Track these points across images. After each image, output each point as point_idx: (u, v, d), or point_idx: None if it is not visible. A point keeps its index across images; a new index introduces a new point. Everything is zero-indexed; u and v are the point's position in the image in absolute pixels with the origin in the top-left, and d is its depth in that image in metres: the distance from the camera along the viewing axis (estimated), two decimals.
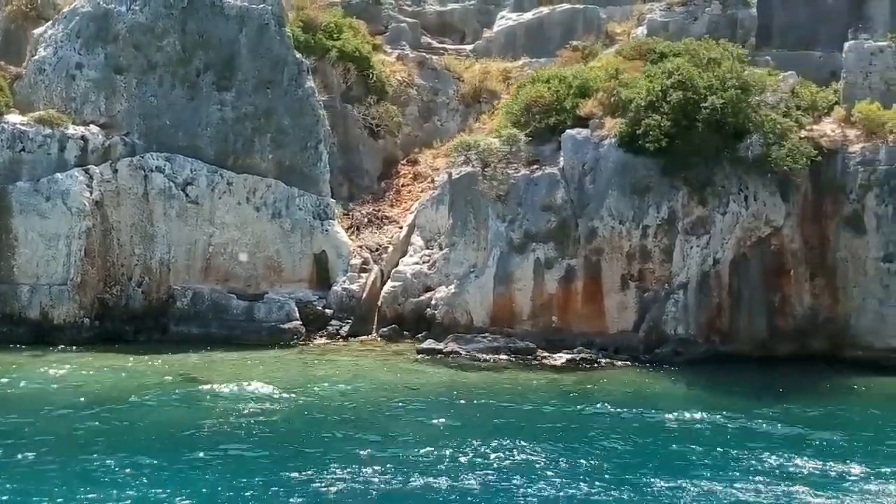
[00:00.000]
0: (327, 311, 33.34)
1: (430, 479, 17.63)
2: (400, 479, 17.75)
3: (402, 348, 30.85)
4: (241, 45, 34.44)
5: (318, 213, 34.65)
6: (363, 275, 34.18)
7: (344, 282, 33.88)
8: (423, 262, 34.14)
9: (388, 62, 43.38)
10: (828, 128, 31.69)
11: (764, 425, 22.94)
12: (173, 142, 33.64)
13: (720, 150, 29.79)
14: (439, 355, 29.13)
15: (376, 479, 17.63)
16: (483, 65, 44.34)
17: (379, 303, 33.33)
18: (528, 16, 47.87)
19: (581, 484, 17.87)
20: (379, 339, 32.31)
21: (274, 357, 28.89)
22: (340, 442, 20.21)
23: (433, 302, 32.77)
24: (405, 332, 32.45)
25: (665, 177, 30.72)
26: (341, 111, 40.06)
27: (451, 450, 19.51)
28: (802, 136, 31.29)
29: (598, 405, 24.32)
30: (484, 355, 29.31)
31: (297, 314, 32.21)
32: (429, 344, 29.81)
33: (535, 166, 32.72)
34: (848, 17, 44.60)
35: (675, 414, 23.57)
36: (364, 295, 33.64)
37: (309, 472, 17.91)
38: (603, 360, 29.50)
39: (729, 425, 22.86)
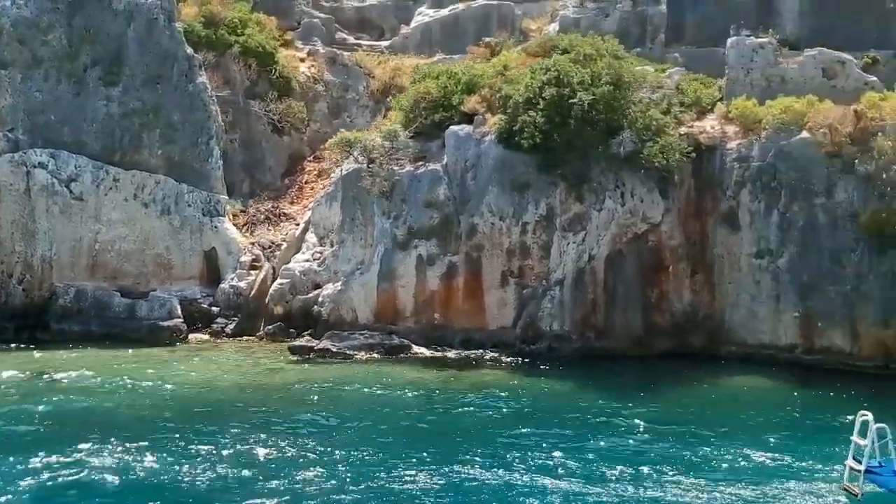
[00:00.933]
0: (213, 308, 33.63)
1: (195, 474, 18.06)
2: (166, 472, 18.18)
3: (282, 346, 31.03)
4: (129, 39, 34.68)
5: (209, 209, 34.93)
6: (253, 272, 34.49)
7: (232, 279, 34.18)
8: (315, 260, 34.48)
9: (297, 58, 43.60)
10: (708, 124, 32.12)
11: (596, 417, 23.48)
12: (59, 137, 33.86)
13: (593, 147, 30.13)
14: (311, 353, 29.33)
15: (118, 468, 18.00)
16: (394, 61, 44.59)
17: (267, 300, 33.55)
18: (444, 12, 48.32)
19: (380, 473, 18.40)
20: (264, 336, 32.42)
21: (137, 355, 29.09)
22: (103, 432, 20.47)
23: (320, 299, 33.11)
24: (291, 330, 32.65)
25: (543, 173, 31.13)
26: (244, 107, 40.34)
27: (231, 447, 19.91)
28: (682, 132, 31.68)
29: (462, 398, 25.23)
30: (356, 352, 29.63)
31: (180, 312, 32.46)
32: (300, 342, 30.10)
33: (421, 162, 33.03)
34: (758, 14, 45.10)
35: (528, 407, 24.36)
36: (252, 292, 33.92)
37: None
38: (473, 357, 29.79)
39: (566, 415, 23.45)
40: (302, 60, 44.15)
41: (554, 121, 30.14)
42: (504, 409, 24.21)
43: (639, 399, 25.37)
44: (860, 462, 17.18)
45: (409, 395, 25.41)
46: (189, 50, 35.54)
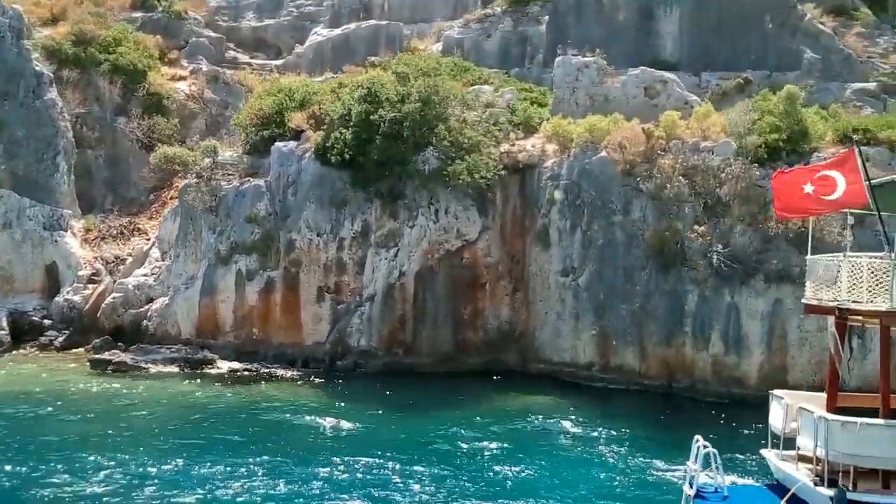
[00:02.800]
0: (45, 321, 34.66)
1: None
2: None
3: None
4: None
5: (51, 224, 36.16)
6: (91, 286, 35.51)
7: (68, 293, 35.31)
8: (153, 274, 35.47)
9: (176, 76, 44.97)
10: (530, 143, 32.85)
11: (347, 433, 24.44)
12: None
13: (401, 164, 30.95)
14: (108, 366, 30.27)
15: None
16: (284, 79, 45.73)
17: (99, 314, 34.57)
18: (337, 31, 49.47)
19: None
20: (91, 350, 33.37)
21: None
22: None
23: (149, 314, 34.05)
24: (119, 344, 33.55)
25: (359, 190, 31.98)
26: (110, 123, 41.59)
27: None
28: (503, 150, 32.42)
29: (220, 408, 26.07)
30: (153, 366, 30.49)
31: (5, 324, 33.46)
32: (102, 355, 31.02)
33: (248, 178, 34.04)
34: (637, 34, 46.12)
35: (299, 420, 25.21)
36: (87, 306, 34.96)
37: None
38: (268, 372, 30.57)
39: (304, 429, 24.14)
40: (183, 78, 45.43)
41: (361, 137, 30.99)
42: (262, 421, 24.98)
43: (394, 416, 25.87)
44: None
45: (162, 406, 26.13)
46: (39, 67, 36.88)
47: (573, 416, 25.89)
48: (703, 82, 43.85)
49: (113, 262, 37.01)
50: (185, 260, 34.49)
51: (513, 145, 33.04)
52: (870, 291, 15.22)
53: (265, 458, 21.55)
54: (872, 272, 15.35)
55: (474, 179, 30.79)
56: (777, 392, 17.06)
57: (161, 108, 42.49)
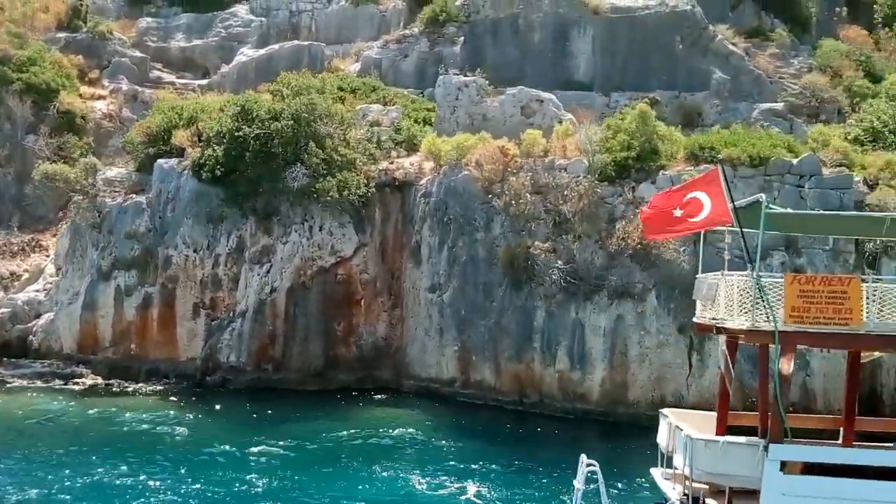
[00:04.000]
0: None
1: None
2: None
3: None
4: None
5: None
6: None
7: None
8: (44, 290, 36.31)
9: (94, 95, 46.06)
10: (409, 161, 33.63)
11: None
12: None
13: (269, 181, 31.75)
14: None
15: None
16: (197, 98, 46.74)
17: None
18: (261, 52, 50.51)
19: None
20: None
21: None
22: None
23: (34, 329, 34.85)
24: (4, 359, 34.27)
25: (234, 206, 32.78)
26: (20, 142, 42.62)
27: None
28: (381, 168, 33.22)
29: (69, 421, 26.97)
30: (18, 380, 31.26)
31: None
32: None
33: (132, 195, 34.92)
34: (553, 54, 47.05)
35: (147, 432, 25.99)
36: None
37: None
38: (134, 387, 31.24)
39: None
40: (103, 97, 46.51)
41: (231, 154, 31.84)
42: (107, 433, 25.73)
43: (237, 430, 26.48)
44: None
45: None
46: None
47: (422, 431, 26.52)
48: (612, 102, 44.70)
49: (8, 277, 37.82)
50: (72, 276, 35.37)
51: (392, 163, 33.81)
52: (740, 309, 15.35)
53: (98, 468, 22.21)
54: (740, 291, 15.49)
55: (343, 196, 31.54)
56: (665, 411, 17.40)
57: (73, 127, 43.43)
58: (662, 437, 16.99)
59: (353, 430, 26.66)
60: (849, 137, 34.89)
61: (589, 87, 46.39)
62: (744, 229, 16.18)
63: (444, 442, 25.38)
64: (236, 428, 26.89)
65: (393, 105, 36.71)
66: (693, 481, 14.90)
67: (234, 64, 50.73)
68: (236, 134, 31.74)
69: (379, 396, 31.21)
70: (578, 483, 15.93)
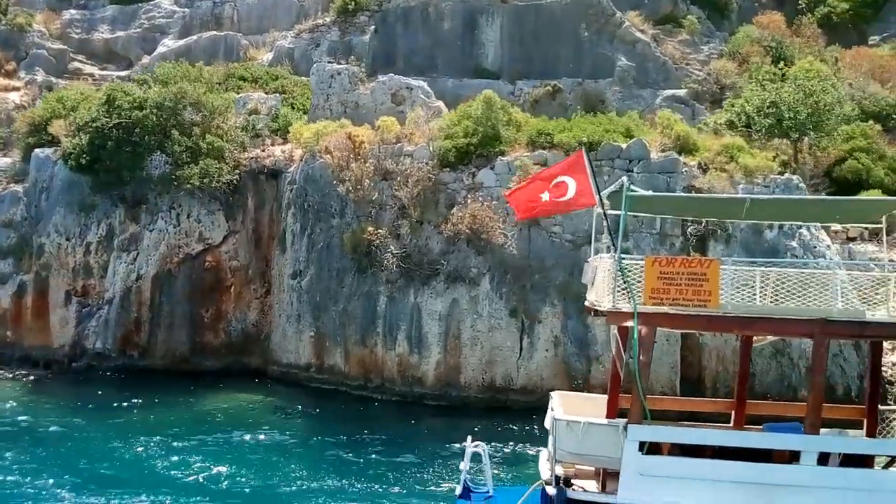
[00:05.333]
0: None
1: None
2: None
3: None
4: None
5: None
6: None
7: None
8: None
9: (8, 86, 47.17)
10: (279, 150, 34.43)
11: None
12: None
13: (130, 169, 32.64)
14: None
15: None
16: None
17: None
18: (180, 42, 51.46)
19: None
20: None
21: None
22: None
23: None
24: None
25: (104, 194, 33.70)
26: None
27: None
28: (252, 156, 34.06)
29: None
30: None
31: None
32: None
33: (11, 184, 35.94)
34: (462, 42, 47.79)
35: None
36: None
37: None
38: (2, 374, 32.20)
39: None
40: (17, 89, 47.58)
41: (95, 143, 32.76)
42: None
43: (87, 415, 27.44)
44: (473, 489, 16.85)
45: None
46: None
47: (269, 419, 27.55)
48: (516, 90, 45.37)
49: None
50: None
51: (263, 150, 34.62)
52: (607, 292, 15.47)
53: None
54: (604, 274, 15.69)
55: (204, 184, 32.38)
56: (554, 393, 17.62)
57: None
58: (548, 420, 17.10)
59: (196, 416, 27.52)
60: (718, 122, 35.46)
61: (497, 75, 47.04)
62: (609, 211, 16.44)
63: (287, 430, 26.11)
64: (94, 413, 27.68)
65: (274, 94, 37.49)
66: (557, 462, 15.23)
67: (155, 55, 51.66)
68: (96, 124, 32.60)
69: (239, 383, 31.92)
70: (464, 465, 16.05)
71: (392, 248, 28.49)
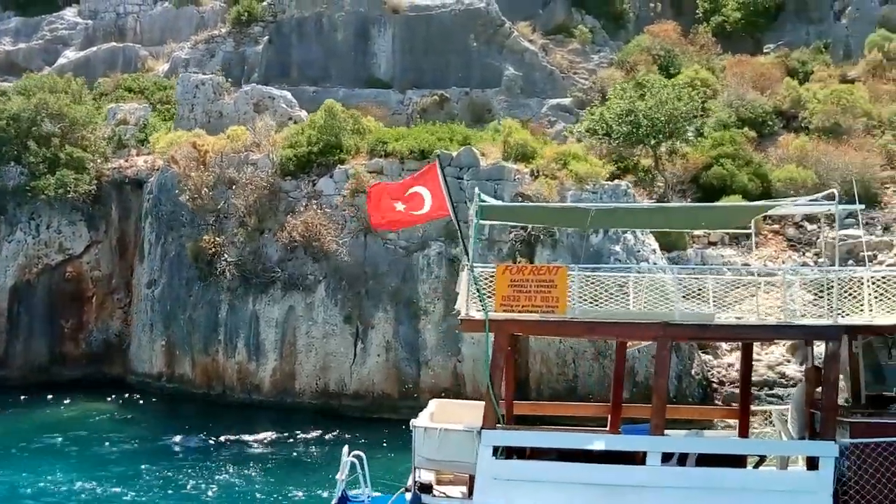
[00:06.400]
0: None
1: None
2: None
3: None
4: None
5: None
6: None
7: None
8: None
9: None
10: (142, 160, 35.12)
11: None
12: None
13: None
14: None
15: None
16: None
17: None
18: (80, 54, 52.14)
19: None
20: None
21: None
22: None
23: None
24: None
25: None
26: None
27: None
28: (115, 166, 34.75)
29: None
30: None
31: None
32: None
33: None
34: (355, 53, 48.71)
35: None
36: None
37: None
38: None
39: None
40: None
41: None
42: None
43: None
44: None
45: None
46: None
47: (112, 427, 28.13)
48: (405, 100, 46.32)
49: None
50: None
51: (126, 160, 35.31)
52: (468, 300, 15.47)
53: None
54: (466, 282, 15.70)
55: (59, 194, 33.01)
56: (433, 400, 17.79)
57: None
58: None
59: (48, 427, 28.06)
60: (577, 130, 36.44)
61: (389, 84, 47.97)
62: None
63: (134, 439, 26.66)
64: None
65: (144, 105, 38.23)
66: (416, 468, 15.28)
67: (55, 66, 52.27)
68: None
69: (96, 393, 32.42)
70: (341, 475, 15.84)
71: (227, 256, 29.20)
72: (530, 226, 27.48)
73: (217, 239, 29.78)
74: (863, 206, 17.46)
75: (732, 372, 30.07)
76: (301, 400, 28.93)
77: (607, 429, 17.34)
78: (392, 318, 28.69)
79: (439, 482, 15.81)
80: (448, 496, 15.23)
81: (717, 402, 28.18)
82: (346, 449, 16.16)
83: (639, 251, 28.37)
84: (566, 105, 44.66)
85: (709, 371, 29.96)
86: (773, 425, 17.30)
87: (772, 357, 30.32)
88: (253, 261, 29.54)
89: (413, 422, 15.38)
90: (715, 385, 29.36)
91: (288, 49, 48.82)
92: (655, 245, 29.09)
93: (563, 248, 28.35)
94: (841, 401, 15.02)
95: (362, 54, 48.56)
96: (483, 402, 16.02)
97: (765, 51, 50.04)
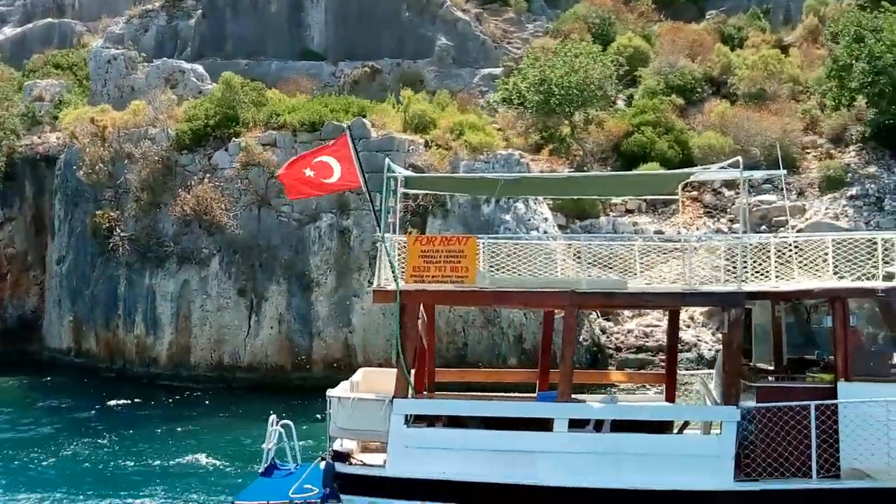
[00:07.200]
0: None
1: None
2: None
3: None
4: None
5: None
6: None
7: None
8: None
9: None
10: (54, 136, 35.39)
11: None
12: None
13: None
14: None
15: None
16: None
17: None
18: (17, 30, 52.42)
19: None
20: None
21: None
22: None
23: None
24: None
25: None
26: None
27: None
28: (27, 143, 35.04)
29: None
30: None
31: None
32: None
33: None
34: (289, 25, 48.80)
35: None
36: None
37: None
38: None
39: None
40: None
41: None
42: None
43: None
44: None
45: None
46: None
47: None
48: (338, 72, 46.46)
49: None
50: None
51: (39, 137, 35.58)
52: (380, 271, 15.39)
53: None
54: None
55: None
56: (361, 370, 17.74)
57: None
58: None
59: None
60: (492, 101, 36.61)
61: (323, 56, 48.11)
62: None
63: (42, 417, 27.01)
64: None
65: (60, 81, 38.47)
66: (331, 437, 15.41)
67: None
68: None
69: (10, 370, 32.81)
70: (267, 444, 16.07)
71: (120, 231, 29.55)
72: (420, 197, 27.77)
73: (112, 214, 30.10)
74: (785, 172, 17.50)
75: (631, 338, 30.46)
76: (197, 373, 29.35)
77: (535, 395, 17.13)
78: (285, 291, 29.05)
79: (366, 449, 16.09)
80: (366, 464, 15.39)
81: (610, 367, 28.50)
82: (272, 418, 16.38)
83: (529, 220, 28.63)
84: (497, 75, 44.71)
85: (607, 337, 30.32)
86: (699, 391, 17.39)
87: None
88: (147, 235, 29.86)
89: (329, 392, 15.54)
90: (611, 351, 29.71)
91: (222, 23, 48.94)
92: (548, 214, 29.37)
93: (454, 217, 28.63)
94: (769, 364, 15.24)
95: (296, 27, 48.70)
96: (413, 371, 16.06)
97: (706, 17, 50.02)
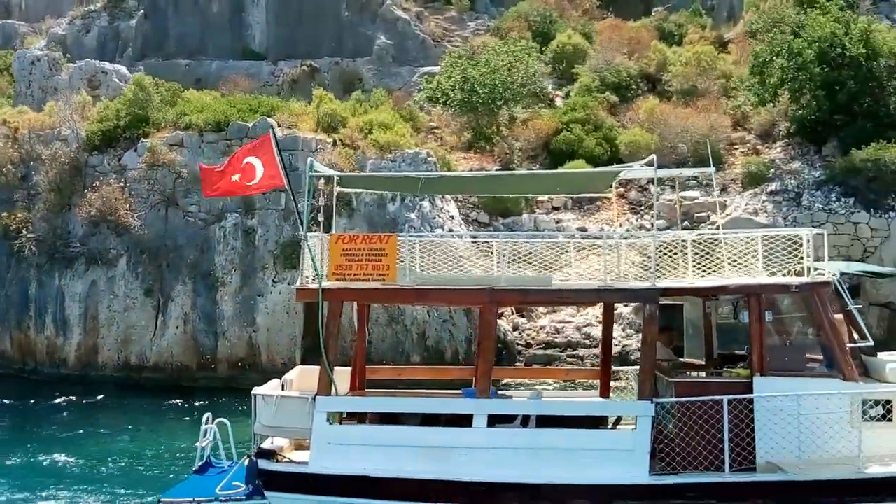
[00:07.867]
0: None
1: None
2: None
3: None
4: None
5: None
6: None
7: None
8: None
9: None
10: None
11: None
12: None
13: None
14: None
15: None
16: None
17: None
18: None
19: None
20: None
21: None
22: None
23: None
24: None
25: None
26: None
27: None
28: None
29: None
30: None
31: None
32: None
33: None
34: (231, 25, 49.13)
35: None
36: None
37: None
38: None
39: None
40: None
41: None
42: None
43: None
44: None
45: None
46: None
47: None
48: (277, 71, 46.75)
49: None
50: None
51: None
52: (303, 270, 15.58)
53: None
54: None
55: None
56: (297, 367, 17.85)
57: None
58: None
59: None
60: (416, 99, 36.85)
61: (264, 56, 48.41)
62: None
63: None
64: None
65: None
66: (256, 434, 15.56)
67: None
68: None
69: None
70: (201, 442, 16.12)
71: (27, 232, 29.77)
72: (324, 196, 27.92)
73: (20, 215, 30.32)
74: (714, 169, 17.55)
75: (542, 334, 30.68)
76: (104, 373, 29.54)
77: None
78: (191, 290, 29.26)
79: (300, 447, 15.99)
80: (291, 461, 15.46)
81: (518, 363, 28.73)
82: (207, 416, 16.47)
83: (434, 218, 28.86)
84: (436, 73, 45.00)
85: (519, 334, 30.55)
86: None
87: (582, 319, 30.86)
88: (54, 237, 30.07)
89: (254, 390, 15.68)
90: (520, 347, 29.91)
91: (164, 22, 49.29)
92: (455, 212, 29.59)
93: (359, 216, 28.86)
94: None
95: (238, 26, 49.08)
96: (349, 369, 16.40)
97: (653, 13, 50.33)
